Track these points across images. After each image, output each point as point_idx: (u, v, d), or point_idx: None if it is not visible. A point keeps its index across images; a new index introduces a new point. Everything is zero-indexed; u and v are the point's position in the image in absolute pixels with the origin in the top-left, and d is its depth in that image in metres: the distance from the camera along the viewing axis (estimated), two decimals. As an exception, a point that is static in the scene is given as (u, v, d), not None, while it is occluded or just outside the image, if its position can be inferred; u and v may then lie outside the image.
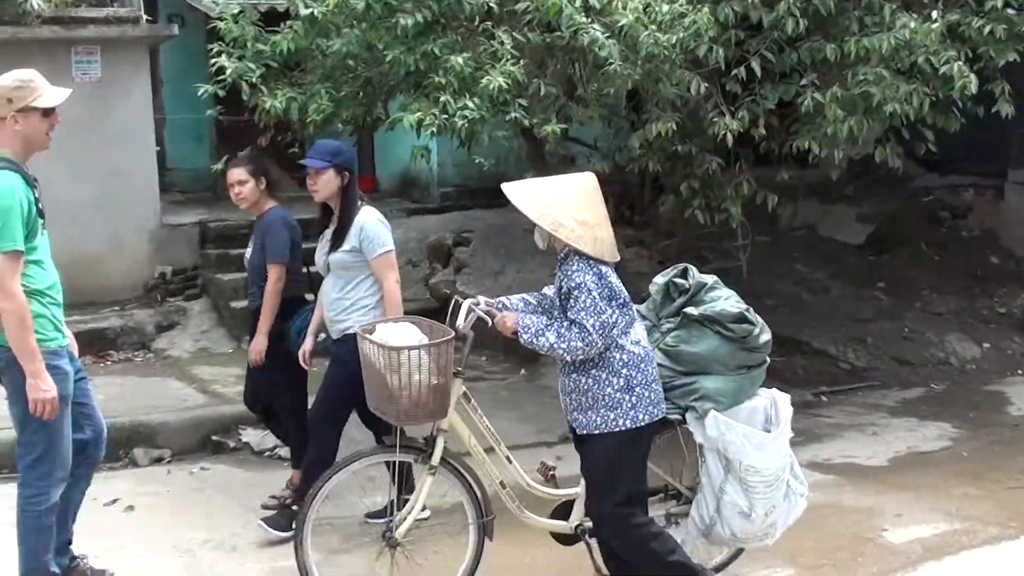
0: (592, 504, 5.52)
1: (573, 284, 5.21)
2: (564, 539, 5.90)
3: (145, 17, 13.09)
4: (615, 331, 5.25)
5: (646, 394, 5.33)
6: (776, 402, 5.66)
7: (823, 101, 8.32)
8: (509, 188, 5.36)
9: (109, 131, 12.64)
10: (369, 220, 6.85)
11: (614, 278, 5.31)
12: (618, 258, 5.39)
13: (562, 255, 5.36)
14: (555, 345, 5.21)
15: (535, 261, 12.69)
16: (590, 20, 7.98)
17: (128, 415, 8.83)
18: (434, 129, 7.96)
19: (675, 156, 9.35)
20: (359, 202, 6.91)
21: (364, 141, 16.16)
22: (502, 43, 8.11)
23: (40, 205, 5.57)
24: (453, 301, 5.71)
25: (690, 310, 5.61)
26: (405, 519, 5.60)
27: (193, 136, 15.95)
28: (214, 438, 8.99)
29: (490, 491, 5.75)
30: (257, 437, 8.85)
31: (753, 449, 5.46)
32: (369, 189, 15.94)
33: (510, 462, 5.79)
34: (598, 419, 5.31)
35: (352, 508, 6.88)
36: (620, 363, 5.29)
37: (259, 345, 7.23)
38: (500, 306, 5.66)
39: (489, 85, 7.85)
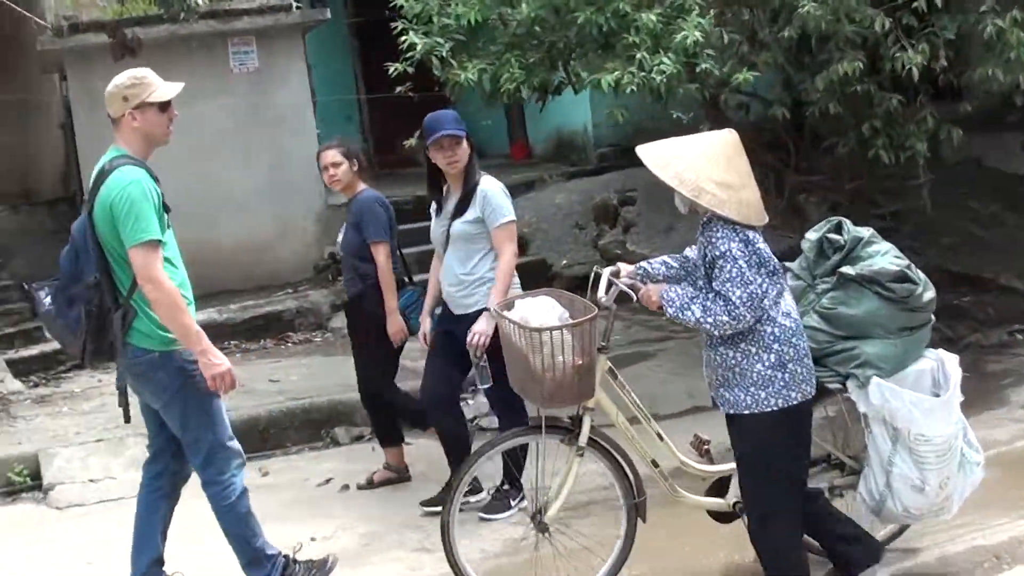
0: (745, 489, 5.22)
1: (718, 252, 4.83)
2: (722, 516, 5.65)
3: (295, 4, 13.19)
4: (765, 302, 4.86)
5: (799, 371, 4.92)
6: (944, 364, 5.26)
7: (1004, 27, 8.07)
8: (643, 151, 5.03)
9: (270, 118, 12.82)
10: (493, 188, 6.69)
11: (762, 243, 4.92)
12: (766, 220, 5.00)
13: (705, 219, 4.99)
14: (701, 319, 4.85)
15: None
16: None
17: (324, 395, 8.94)
18: (633, 87, 7.92)
19: (854, 96, 9.06)
20: (480, 171, 6.77)
21: (513, 109, 16.14)
22: None
23: (165, 200, 5.50)
24: (593, 272, 5.43)
25: (846, 269, 5.23)
26: (553, 502, 5.36)
27: (343, 117, 16.13)
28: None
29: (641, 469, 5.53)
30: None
31: (922, 416, 5.07)
32: (523, 156, 15.86)
33: (661, 439, 5.54)
34: (748, 398, 4.92)
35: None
36: (771, 337, 4.89)
37: (396, 324, 7.22)
38: (642, 272, 5.38)
39: (685, 39, 7.82)
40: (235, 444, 5.68)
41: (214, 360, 5.34)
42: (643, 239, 11.89)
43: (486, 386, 6.67)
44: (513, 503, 6.73)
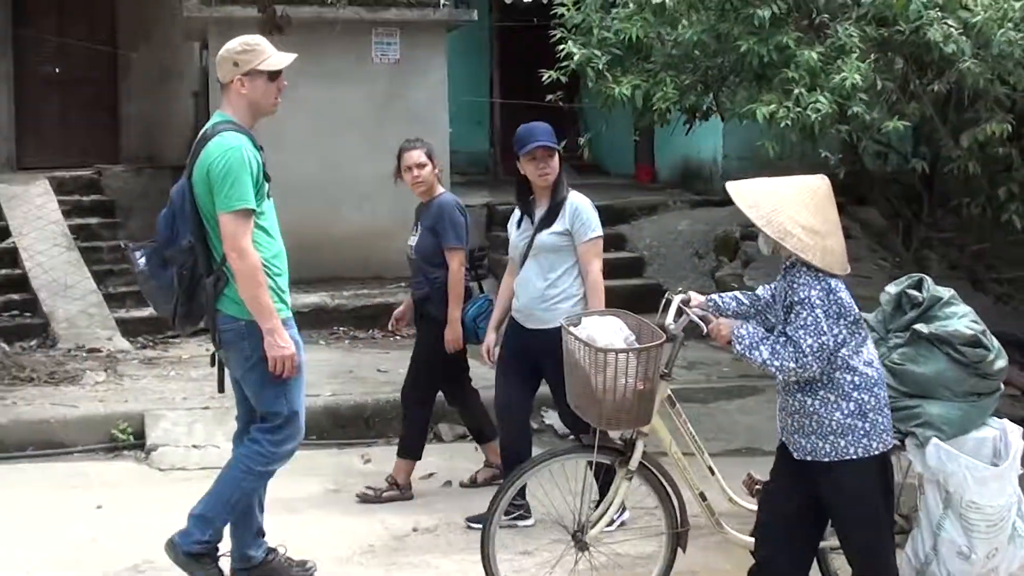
0: (844, 540, 5.10)
1: (797, 298, 4.82)
2: None
3: (443, 1, 13.33)
4: (844, 351, 4.83)
5: (879, 420, 4.87)
6: (1007, 434, 5.16)
7: None
8: (733, 188, 5.03)
9: (405, 111, 12.93)
10: (583, 202, 6.68)
11: (844, 293, 4.88)
12: (848, 270, 4.97)
13: (788, 263, 4.99)
14: (767, 361, 4.81)
15: None
16: (942, 16, 7.91)
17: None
18: (788, 121, 7.94)
19: (994, 158, 9.05)
20: (567, 185, 6.75)
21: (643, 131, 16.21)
22: (851, 36, 8.07)
23: (267, 170, 5.52)
24: (665, 298, 5.48)
25: (920, 327, 5.17)
26: (597, 522, 5.41)
27: (474, 120, 16.22)
28: None
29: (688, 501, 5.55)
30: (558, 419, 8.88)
31: (976, 484, 4.99)
32: (648, 180, 15.80)
33: (712, 473, 5.55)
34: (826, 446, 4.85)
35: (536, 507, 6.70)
36: (851, 385, 4.85)
37: (455, 332, 7.21)
38: (712, 305, 5.38)
39: (844, 81, 7.82)
40: (301, 429, 5.63)
41: (279, 341, 5.32)
42: (761, 275, 11.70)
43: None
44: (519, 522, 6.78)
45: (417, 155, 7.39)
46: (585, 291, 6.65)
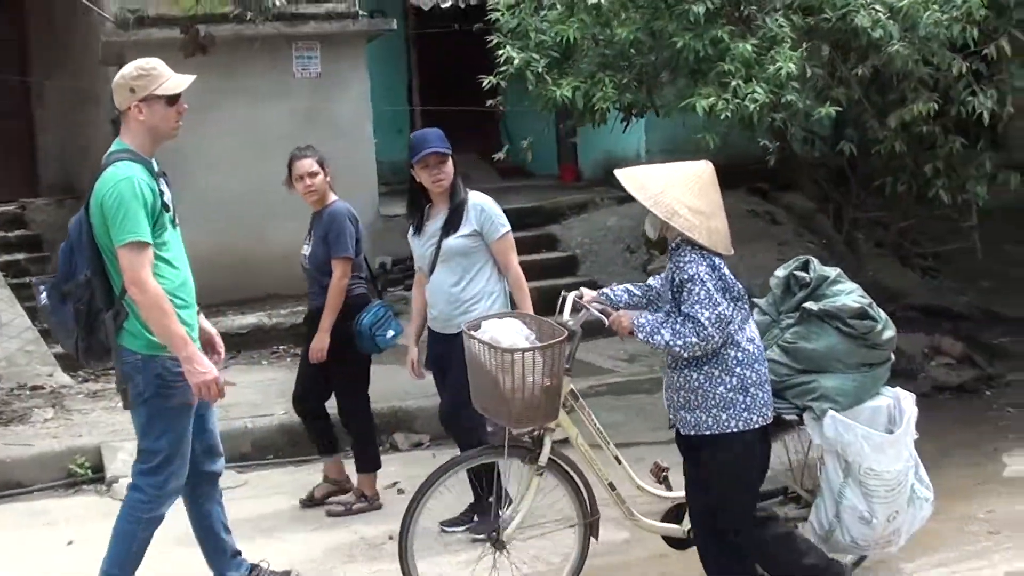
0: (716, 515, 5.27)
1: (686, 276, 4.99)
2: (676, 543, 5.74)
3: (360, 12, 13.37)
4: (731, 326, 5.01)
5: (760, 395, 5.08)
6: (900, 401, 5.36)
7: None
8: (622, 174, 5.19)
9: (329, 124, 12.87)
10: (486, 201, 6.67)
11: (727, 270, 5.09)
12: (731, 251, 5.13)
13: (673, 245, 5.16)
14: (671, 342, 4.98)
15: (760, 245, 12.77)
16: (869, 2, 8.21)
17: (384, 401, 8.92)
18: (728, 113, 8.19)
19: (919, 137, 9.38)
20: (464, 188, 6.74)
21: (562, 133, 16.12)
22: (781, 27, 8.36)
23: (167, 199, 5.38)
24: (561, 296, 5.57)
25: (809, 305, 5.34)
26: (511, 521, 5.46)
27: (394, 129, 16.10)
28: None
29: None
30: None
31: (873, 451, 5.19)
32: (572, 179, 15.86)
33: (619, 462, 5.64)
34: (708, 419, 5.05)
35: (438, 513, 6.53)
36: (734, 361, 5.04)
37: (321, 343, 7.15)
38: (604, 298, 5.51)
39: (780, 71, 8.09)
40: (184, 473, 5.49)
41: (199, 368, 5.21)
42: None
43: None
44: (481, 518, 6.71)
45: (308, 164, 7.32)
46: (503, 287, 6.69)
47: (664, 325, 5.03)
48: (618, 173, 5.20)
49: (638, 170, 5.31)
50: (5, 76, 14.85)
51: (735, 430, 5.02)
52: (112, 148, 5.39)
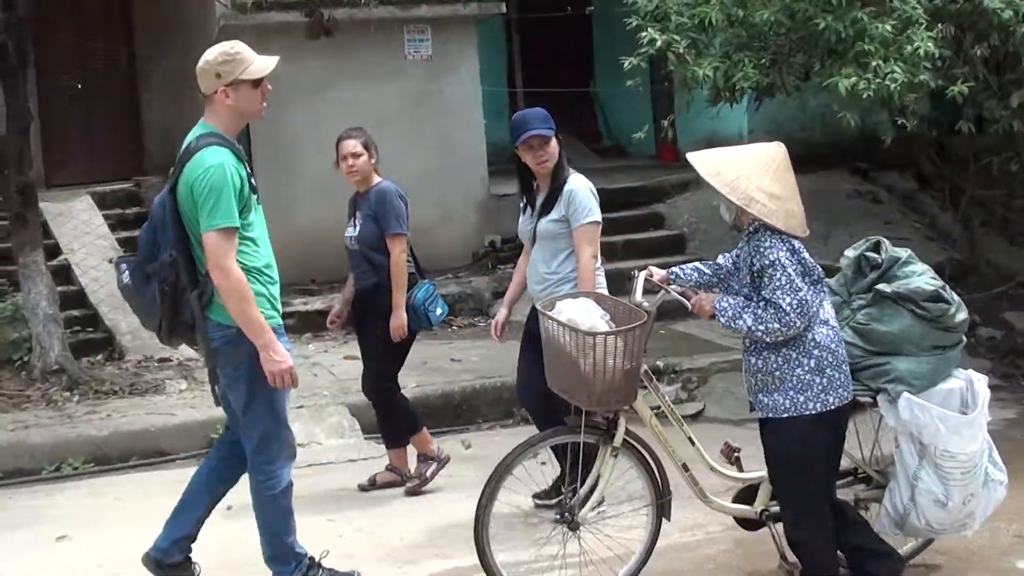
0: (781, 492, 5.31)
1: (767, 261, 4.97)
2: (748, 524, 5.72)
3: (467, -5, 13.54)
4: (812, 309, 4.99)
5: (837, 376, 5.05)
6: (973, 384, 5.31)
7: None
8: (695, 157, 5.19)
9: (439, 106, 13.14)
10: (580, 187, 6.59)
11: (806, 253, 5.07)
12: (807, 233, 5.14)
13: (750, 230, 5.14)
14: (752, 327, 4.97)
15: (862, 224, 12.62)
16: None
17: (508, 375, 8.83)
18: (870, 93, 8.44)
19: None
20: (568, 169, 6.69)
21: (661, 110, 16.16)
22: (915, 8, 8.58)
23: (253, 180, 5.38)
24: (632, 275, 5.56)
25: (882, 287, 5.30)
26: (587, 501, 5.44)
27: (494, 111, 16.26)
28: None
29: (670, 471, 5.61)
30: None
31: (949, 432, 5.15)
32: (671, 160, 15.84)
33: (692, 443, 5.62)
34: (786, 401, 5.04)
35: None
36: (812, 343, 5.02)
37: (400, 320, 7.17)
38: (673, 276, 5.50)
39: (918, 51, 8.31)
40: (292, 437, 5.57)
41: (275, 356, 5.19)
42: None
43: None
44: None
45: (353, 144, 7.35)
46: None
47: (746, 310, 5.02)
48: (690, 157, 5.19)
49: (711, 154, 5.28)
50: (114, 56, 15.10)
51: (813, 412, 5.01)
52: (198, 131, 5.40)
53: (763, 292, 4.99)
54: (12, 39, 9.80)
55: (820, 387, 5.01)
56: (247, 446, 5.48)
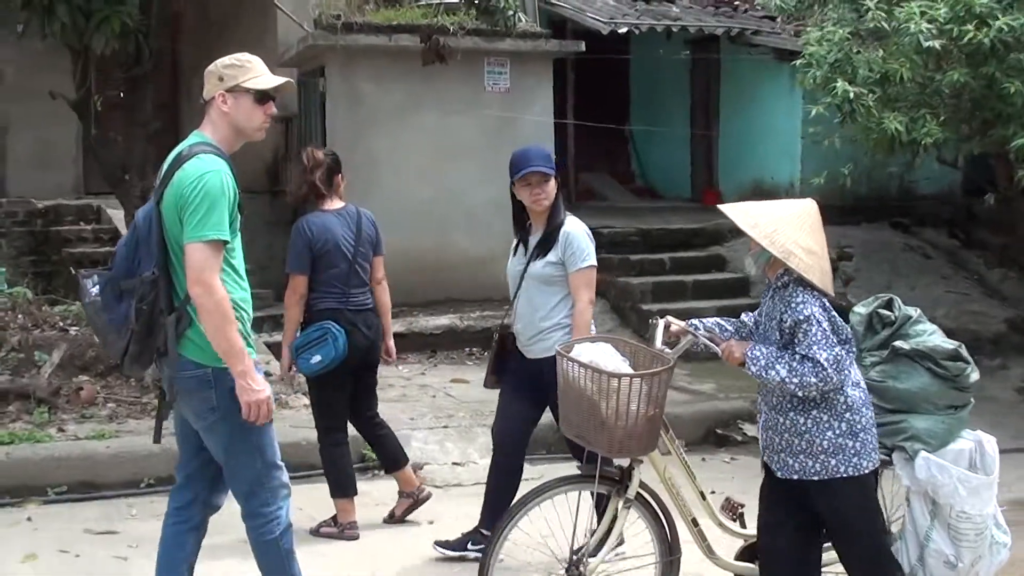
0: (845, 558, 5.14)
1: (802, 316, 4.85)
2: None
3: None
4: (845, 368, 4.90)
5: (868, 439, 4.96)
6: (983, 444, 5.25)
7: None
8: (731, 209, 5.08)
9: (514, 138, 12.99)
10: (577, 231, 6.44)
11: (835, 313, 4.98)
12: (833, 294, 5.03)
13: (778, 284, 5.06)
14: (786, 379, 4.82)
15: (924, 279, 13.09)
16: None
17: None
18: None
19: None
20: (564, 211, 6.52)
21: (699, 154, 16.57)
22: None
23: (241, 203, 4.97)
24: (651, 322, 5.53)
25: (900, 344, 5.25)
26: (596, 553, 5.29)
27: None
28: (717, 431, 9.77)
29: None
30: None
31: (968, 494, 5.09)
32: (714, 202, 15.94)
33: (703, 498, 5.54)
34: (816, 465, 4.92)
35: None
36: (843, 406, 4.92)
37: (282, 361, 7.27)
38: (693, 328, 5.41)
39: None
40: (283, 474, 5.15)
41: (254, 385, 4.79)
42: (863, 292, 11.87)
43: None
44: (470, 546, 6.64)
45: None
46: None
47: (780, 360, 4.88)
48: (726, 209, 5.09)
49: (747, 206, 5.17)
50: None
51: (844, 475, 4.91)
52: (191, 140, 5.01)
53: (798, 349, 4.87)
54: (148, 44, 9.87)
55: (853, 451, 4.91)
56: (237, 491, 5.10)
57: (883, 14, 9.81)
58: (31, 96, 14.53)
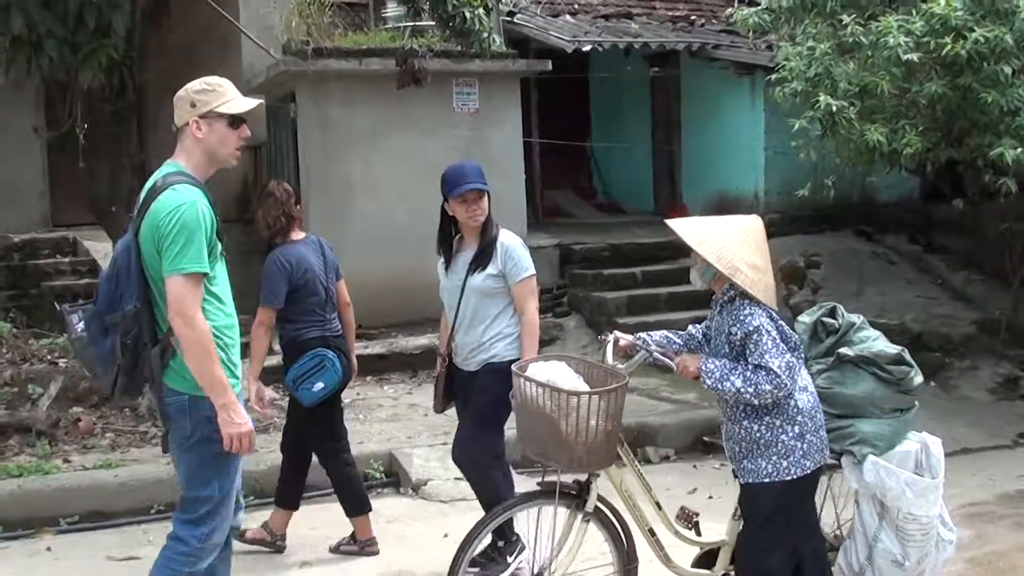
0: (750, 553, 5.29)
1: (751, 328, 5.01)
2: None
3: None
4: (796, 373, 5.06)
5: (815, 441, 5.12)
6: (928, 446, 5.40)
7: None
8: (677, 225, 5.21)
9: (484, 159, 12.72)
10: (514, 243, 6.54)
11: (782, 322, 5.13)
12: (777, 307, 5.17)
13: (724, 299, 5.22)
14: (741, 390, 4.98)
15: (892, 284, 13.32)
16: None
17: (631, 417, 9.36)
18: None
19: None
20: (496, 224, 6.61)
21: (661, 169, 16.76)
22: None
23: (219, 230, 4.94)
24: (600, 339, 5.64)
25: (845, 351, 5.39)
26: (557, 569, 5.29)
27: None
28: (705, 439, 9.91)
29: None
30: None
31: (915, 496, 5.26)
32: (678, 216, 16.20)
33: (659, 508, 5.59)
34: (768, 466, 5.09)
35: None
36: (795, 410, 5.08)
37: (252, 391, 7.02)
38: (641, 342, 5.50)
39: None
40: (228, 524, 5.10)
41: (236, 418, 4.79)
42: (833, 299, 12.03)
43: None
44: (510, 559, 6.51)
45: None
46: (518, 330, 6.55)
47: (734, 372, 5.02)
48: (673, 224, 5.20)
49: (695, 222, 5.31)
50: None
51: (793, 477, 5.07)
52: (165, 169, 4.98)
53: (750, 359, 5.01)
54: (132, 77, 10.01)
55: (801, 452, 5.07)
56: (183, 517, 5.02)
57: (860, 28, 10.09)
58: (-5, 132, 14.73)
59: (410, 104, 13.10)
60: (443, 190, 6.55)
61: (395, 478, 8.95)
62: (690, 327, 5.70)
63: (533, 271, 6.56)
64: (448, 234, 6.71)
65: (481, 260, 6.49)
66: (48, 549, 7.59)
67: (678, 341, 5.62)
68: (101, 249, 13.68)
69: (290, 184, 7.48)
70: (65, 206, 15.76)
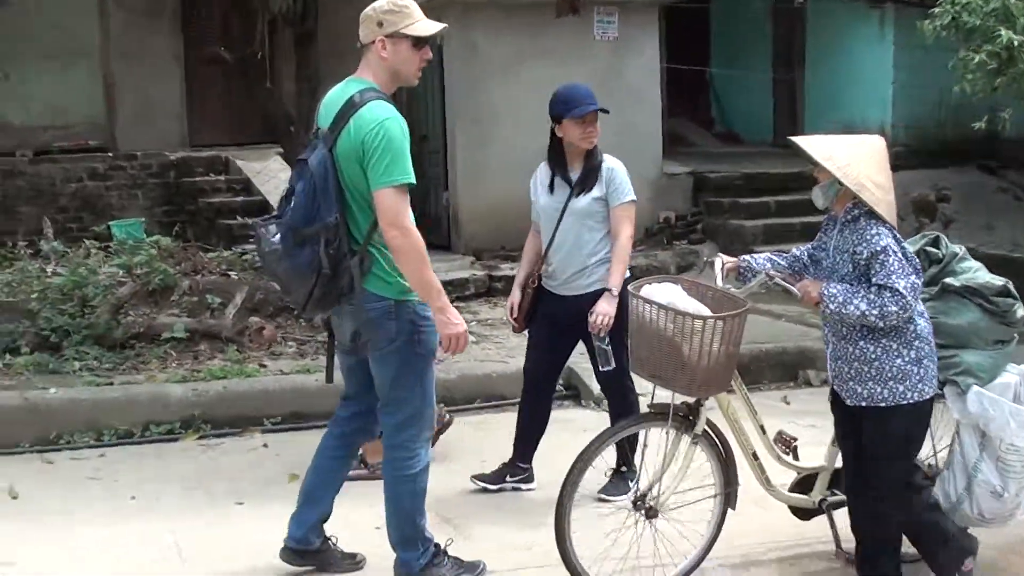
0: (870, 480, 5.25)
1: (878, 248, 4.92)
2: (802, 513, 5.82)
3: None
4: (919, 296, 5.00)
5: (931, 367, 5.04)
6: None
7: None
8: (804, 141, 5.15)
9: (623, 87, 13.47)
10: (619, 167, 6.54)
11: (905, 243, 5.09)
12: (897, 227, 5.11)
13: (847, 217, 5.12)
14: (867, 312, 4.88)
15: (1019, 218, 13.22)
16: None
17: (792, 341, 10.10)
18: None
19: None
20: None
21: (782, 99, 16.65)
22: None
23: None
24: (705, 262, 5.83)
25: (950, 280, 5.35)
26: (665, 490, 5.36)
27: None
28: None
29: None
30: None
31: (1017, 427, 5.23)
32: None
33: (763, 432, 5.63)
34: (885, 392, 5.01)
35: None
36: (913, 334, 5.00)
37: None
38: (745, 264, 5.52)
39: None
40: (434, 418, 5.41)
41: (453, 319, 5.01)
42: (965, 234, 12.10)
43: (608, 368, 6.57)
44: (632, 484, 6.34)
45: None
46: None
47: (856, 295, 4.93)
48: (798, 140, 5.15)
49: (821, 139, 5.23)
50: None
51: (910, 402, 5.03)
52: (356, 86, 5.09)
53: (875, 279, 4.93)
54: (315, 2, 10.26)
55: (918, 377, 5.01)
56: (388, 422, 5.31)
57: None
58: (135, 57, 15.53)
59: (552, 33, 13.25)
60: (557, 110, 6.49)
61: (575, 391, 9.15)
62: (793, 249, 5.65)
63: (634, 197, 6.57)
64: (560, 154, 6.61)
65: (587, 182, 6.51)
66: (265, 446, 7.99)
67: (782, 263, 5.57)
68: (253, 168, 14.19)
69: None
70: (199, 127, 16.25)
